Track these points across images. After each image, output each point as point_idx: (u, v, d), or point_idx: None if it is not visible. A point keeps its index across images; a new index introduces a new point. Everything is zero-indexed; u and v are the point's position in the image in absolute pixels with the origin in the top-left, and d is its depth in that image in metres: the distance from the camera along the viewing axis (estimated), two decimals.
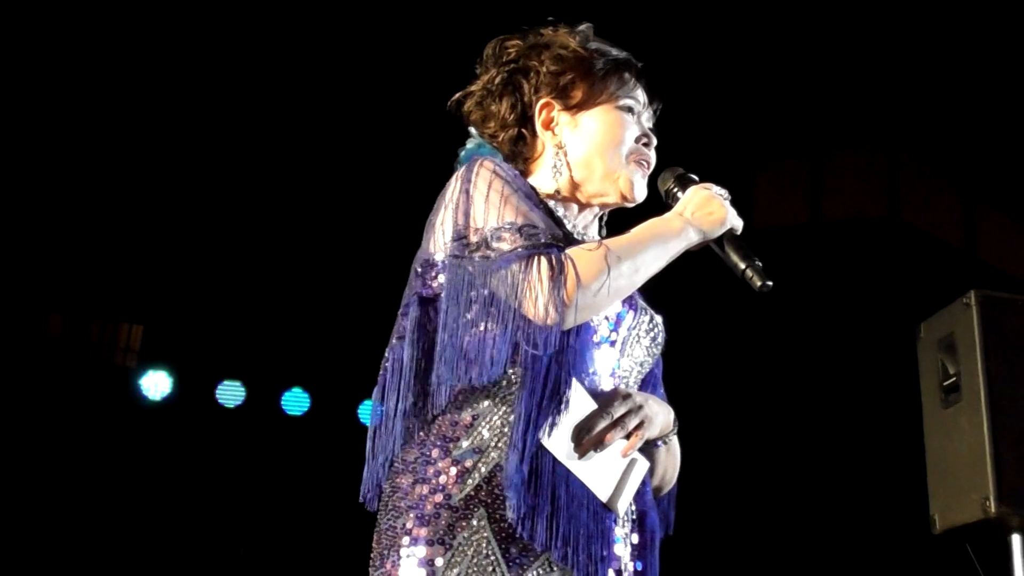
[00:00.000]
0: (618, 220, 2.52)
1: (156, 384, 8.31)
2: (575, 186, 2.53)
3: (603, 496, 2.23)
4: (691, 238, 2.34)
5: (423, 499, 2.19)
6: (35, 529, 7.69)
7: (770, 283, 2.32)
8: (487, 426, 2.21)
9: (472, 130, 2.64)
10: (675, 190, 2.49)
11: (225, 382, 8.40)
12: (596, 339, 2.34)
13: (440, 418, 2.25)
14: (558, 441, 2.19)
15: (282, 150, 7.43)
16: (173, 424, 8.24)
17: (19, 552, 7.61)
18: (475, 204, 2.28)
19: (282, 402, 8.48)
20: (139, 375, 8.31)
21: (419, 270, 2.36)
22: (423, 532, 2.16)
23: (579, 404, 2.23)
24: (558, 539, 2.14)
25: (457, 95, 2.66)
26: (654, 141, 2.58)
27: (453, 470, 2.19)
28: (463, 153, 2.64)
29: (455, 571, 2.12)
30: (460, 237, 2.26)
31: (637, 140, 2.55)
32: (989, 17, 6.66)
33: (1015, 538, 3.81)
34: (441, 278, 2.30)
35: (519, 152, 2.59)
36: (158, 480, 8.03)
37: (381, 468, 2.32)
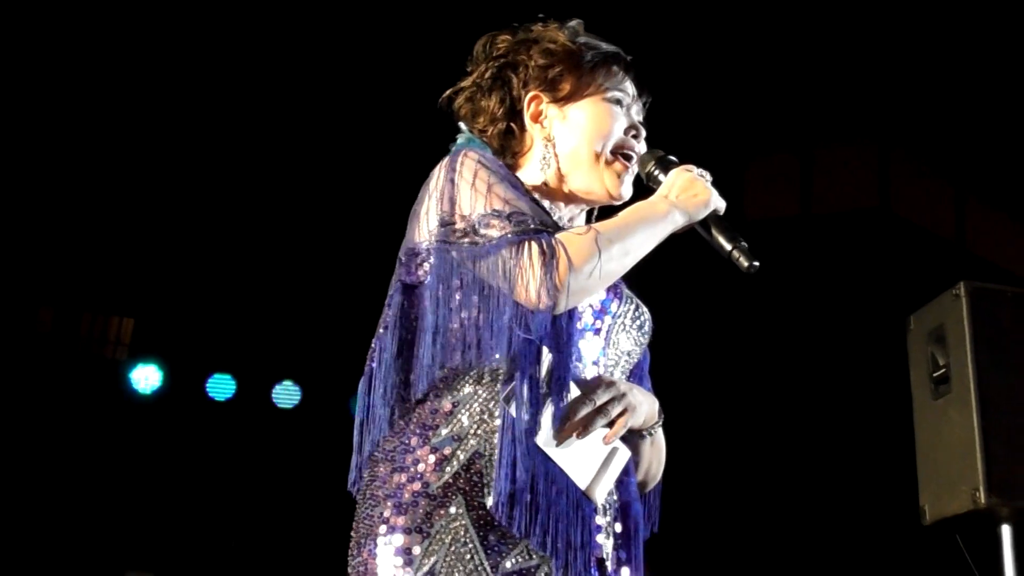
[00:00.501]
0: (606, 211, 2.51)
1: (146, 377, 8.30)
2: (563, 179, 2.53)
3: (582, 483, 2.22)
4: (677, 221, 2.33)
5: (401, 487, 2.18)
6: (25, 522, 7.68)
7: (757, 263, 2.32)
8: (467, 413, 2.21)
9: (462, 125, 2.64)
10: (656, 173, 2.48)
11: (216, 375, 8.39)
12: (580, 327, 2.34)
13: (420, 407, 2.24)
14: (542, 434, 2.19)
15: (273, 144, 7.42)
16: (164, 417, 8.23)
17: (9, 545, 7.60)
18: (460, 192, 2.28)
19: (273, 395, 8.48)
20: (129, 368, 8.30)
21: (403, 259, 2.35)
22: (400, 520, 2.15)
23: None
24: (536, 525, 2.13)
25: (448, 91, 2.66)
26: (643, 133, 2.57)
27: (432, 458, 2.18)
28: (453, 148, 2.61)
29: (432, 559, 2.11)
30: (446, 224, 2.25)
31: (626, 132, 2.54)
32: (979, 11, 6.66)
33: (1004, 528, 3.82)
34: (426, 266, 2.29)
35: (508, 147, 2.59)
36: (149, 474, 8.03)
37: (368, 458, 2.32)
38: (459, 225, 2.23)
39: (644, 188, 2.48)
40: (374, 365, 2.34)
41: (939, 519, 3.95)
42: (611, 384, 2.29)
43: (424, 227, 2.31)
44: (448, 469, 2.17)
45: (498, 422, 2.18)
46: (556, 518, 2.16)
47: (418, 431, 2.22)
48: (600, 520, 2.28)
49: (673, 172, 2.42)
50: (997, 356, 3.87)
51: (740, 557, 7.93)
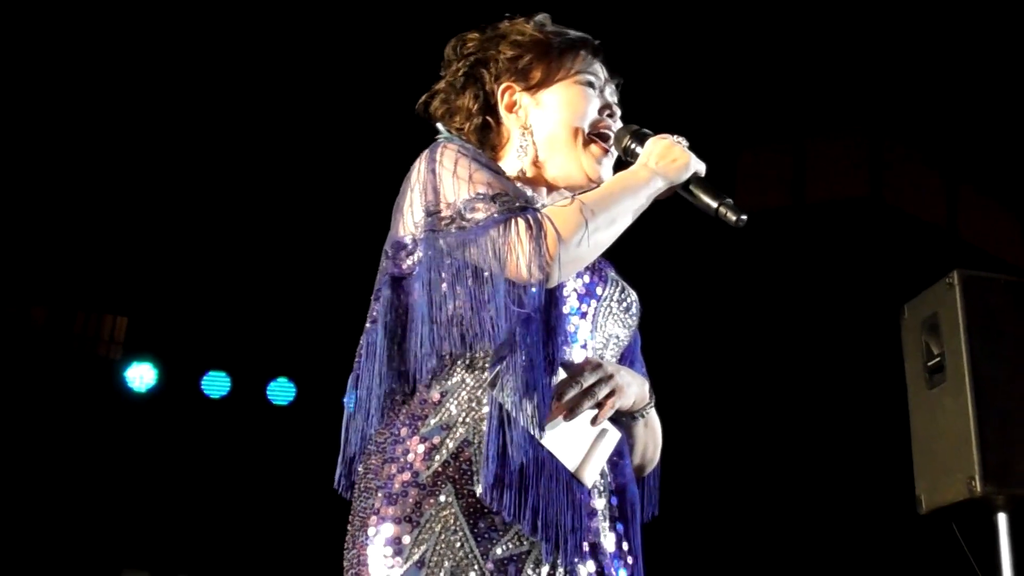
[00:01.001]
0: None
1: (141, 376, 8.29)
2: (542, 165, 2.56)
3: (571, 465, 2.23)
4: (658, 186, 2.37)
5: (391, 478, 2.20)
6: (20, 521, 7.67)
7: (744, 216, 2.36)
8: (455, 402, 2.23)
9: (440, 127, 2.65)
10: (633, 146, 2.51)
11: (210, 373, 8.38)
12: (567, 311, 2.36)
13: (410, 398, 2.27)
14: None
15: (266, 141, 7.41)
16: (158, 416, 8.23)
17: (5, 544, 7.60)
18: (443, 180, 2.30)
19: (268, 392, 8.47)
20: (124, 367, 8.29)
21: (389, 252, 2.38)
22: (390, 511, 2.17)
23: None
24: (526, 510, 2.14)
25: (424, 96, 2.69)
26: (617, 112, 2.61)
27: (421, 448, 2.20)
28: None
29: (422, 548, 2.13)
30: (432, 213, 2.28)
31: (600, 112, 2.58)
32: (969, 0, 6.67)
33: (1001, 517, 3.82)
34: (413, 257, 2.31)
35: (487, 141, 2.62)
36: (144, 472, 8.02)
37: (357, 454, 2.34)
38: (445, 213, 2.26)
39: (625, 165, 2.49)
40: (363, 359, 2.36)
41: (935, 508, 3.96)
42: (598, 366, 2.31)
43: (409, 219, 2.33)
44: (437, 458, 2.19)
45: (486, 409, 2.19)
46: (546, 502, 2.17)
47: (408, 422, 2.24)
48: (596, 503, 2.29)
49: (650, 141, 2.46)
50: (991, 344, 3.87)
51: (736, 546, 7.93)
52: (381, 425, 2.28)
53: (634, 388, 2.39)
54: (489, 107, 2.62)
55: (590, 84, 2.58)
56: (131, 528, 7.94)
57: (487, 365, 2.23)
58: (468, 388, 2.23)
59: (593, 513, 2.27)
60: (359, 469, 2.31)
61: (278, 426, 8.35)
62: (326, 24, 6.82)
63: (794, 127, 8.23)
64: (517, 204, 2.23)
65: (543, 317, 2.22)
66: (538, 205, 2.45)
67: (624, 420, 2.43)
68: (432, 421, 2.22)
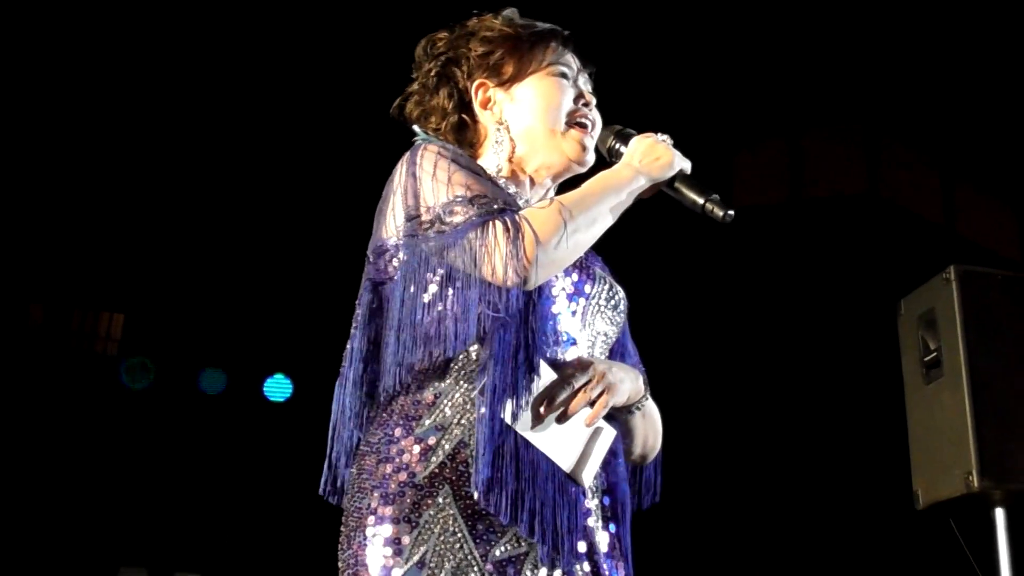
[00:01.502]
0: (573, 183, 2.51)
1: (138, 372, 8.29)
2: (522, 159, 2.54)
3: (567, 467, 2.22)
4: (641, 184, 2.35)
5: (387, 478, 2.19)
6: (17, 519, 7.67)
7: (732, 212, 2.31)
8: (449, 404, 2.22)
9: (416, 129, 2.64)
10: (617, 146, 2.50)
11: (207, 370, 8.38)
12: (556, 311, 2.35)
13: (402, 398, 2.25)
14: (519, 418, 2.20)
15: (262, 139, 7.41)
16: (155, 412, 8.22)
17: (2, 541, 7.59)
18: (423, 184, 2.29)
19: (264, 389, 8.47)
20: (120, 363, 8.28)
21: (371, 257, 2.39)
22: (388, 511, 2.16)
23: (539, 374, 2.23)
24: (523, 512, 2.14)
25: (397, 100, 2.68)
26: (593, 101, 2.58)
27: (416, 448, 2.19)
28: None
29: (422, 549, 2.12)
30: (412, 218, 2.27)
31: (575, 101, 2.55)
32: None
33: (998, 512, 3.83)
34: (393, 263, 2.32)
35: (465, 139, 2.61)
36: (141, 469, 8.02)
37: (342, 459, 2.36)
38: (425, 217, 2.25)
39: (608, 165, 2.48)
40: (346, 365, 2.38)
41: (933, 503, 3.96)
42: (588, 365, 2.29)
43: (391, 224, 2.33)
44: (434, 459, 2.18)
45: (483, 411, 2.18)
46: (542, 503, 2.16)
47: (401, 422, 2.24)
48: (589, 503, 2.28)
49: (633, 140, 2.44)
50: (988, 339, 3.87)
51: (733, 542, 7.94)
52: (374, 426, 2.28)
53: (627, 384, 2.37)
54: (464, 105, 2.60)
55: (563, 75, 2.56)
56: (128, 525, 7.94)
57: (473, 368, 2.23)
58: (462, 390, 2.22)
59: (588, 513, 2.27)
60: (352, 470, 2.30)
61: (275, 423, 8.34)
62: (320, 24, 6.82)
63: (791, 123, 8.23)
64: (496, 206, 2.22)
65: (522, 319, 2.21)
66: (521, 201, 2.46)
67: (621, 415, 2.42)
68: (427, 422, 2.21)
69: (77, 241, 7.93)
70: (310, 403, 8.34)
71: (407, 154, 2.39)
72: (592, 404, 2.28)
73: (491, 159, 2.56)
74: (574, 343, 2.37)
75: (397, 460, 2.20)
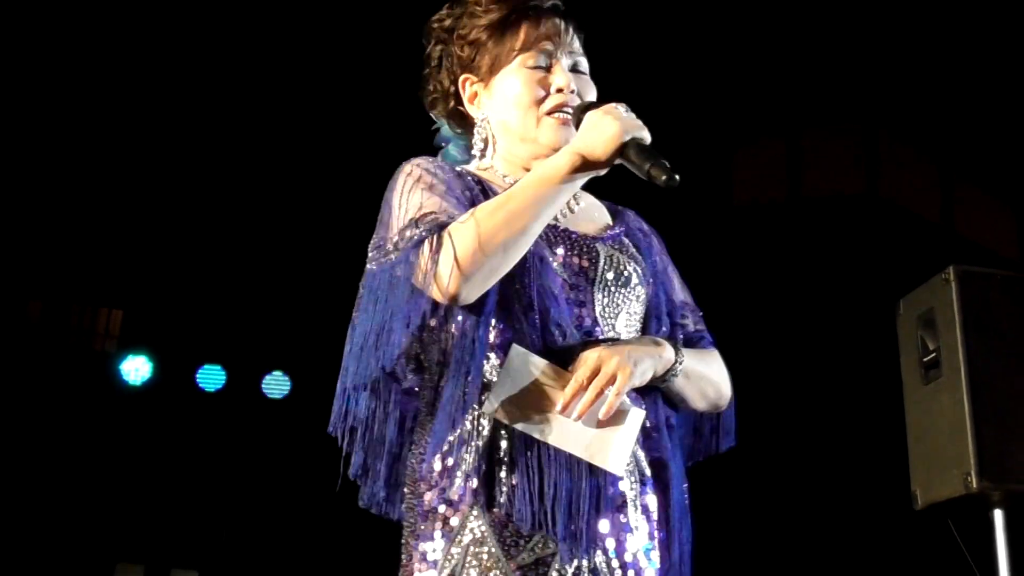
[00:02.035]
0: (608, 185, 2.48)
1: (137, 369, 8.28)
2: (508, 151, 2.53)
3: (597, 460, 2.21)
4: (578, 163, 2.27)
5: (422, 496, 2.25)
6: (15, 515, 7.67)
7: (677, 177, 2.21)
8: (468, 419, 2.24)
9: (432, 115, 2.65)
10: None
11: (205, 366, 8.37)
12: (561, 304, 2.33)
13: (431, 415, 2.28)
14: (518, 412, 2.20)
15: (261, 137, 7.40)
16: (154, 408, 8.22)
17: (0, 538, 7.59)
18: (392, 212, 2.33)
19: (263, 385, 8.46)
20: (119, 360, 8.28)
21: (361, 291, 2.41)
22: (423, 527, 2.22)
23: (536, 371, 2.23)
24: (548, 516, 2.15)
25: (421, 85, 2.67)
26: (573, 83, 2.49)
27: (440, 464, 2.23)
28: (436, 139, 2.67)
29: (453, 563, 2.16)
30: (378, 247, 2.32)
31: (549, 90, 2.47)
32: None
33: (997, 513, 3.82)
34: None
35: (466, 125, 2.60)
36: (140, 465, 8.01)
37: (378, 474, 2.41)
38: (384, 247, 2.29)
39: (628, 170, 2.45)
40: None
41: (931, 504, 3.95)
42: (594, 356, 2.25)
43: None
44: (459, 474, 2.21)
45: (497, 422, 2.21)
46: (567, 504, 2.17)
47: (428, 438, 2.27)
48: (625, 488, 2.27)
49: (587, 116, 2.35)
50: (987, 340, 3.86)
51: (732, 542, 7.94)
52: (416, 445, 2.32)
53: (647, 362, 2.32)
54: (459, 96, 2.59)
55: (539, 61, 2.48)
56: (126, 522, 7.93)
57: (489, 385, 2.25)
58: (473, 393, 2.23)
59: (622, 504, 2.27)
60: (404, 491, 2.34)
61: (273, 419, 8.34)
62: (314, 21, 6.82)
63: (791, 122, 8.23)
64: (438, 222, 2.23)
65: (464, 331, 2.24)
66: None
67: (659, 385, 2.39)
68: (450, 437, 2.23)
69: (76, 237, 7.93)
70: (308, 400, 8.34)
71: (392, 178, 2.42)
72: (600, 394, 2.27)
73: (489, 152, 2.55)
74: (590, 332, 2.35)
75: (428, 478, 2.24)
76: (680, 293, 2.65)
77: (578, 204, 2.52)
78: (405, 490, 2.32)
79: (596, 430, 2.23)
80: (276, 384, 8.49)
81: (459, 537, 2.17)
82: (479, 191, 2.39)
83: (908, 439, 4.11)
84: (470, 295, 2.20)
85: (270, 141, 7.46)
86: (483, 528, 2.17)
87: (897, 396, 4.19)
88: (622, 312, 2.42)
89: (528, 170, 2.46)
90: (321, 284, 7.85)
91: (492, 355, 2.26)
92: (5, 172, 7.44)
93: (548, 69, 2.50)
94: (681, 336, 2.55)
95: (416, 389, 2.36)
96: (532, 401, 2.21)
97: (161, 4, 6.68)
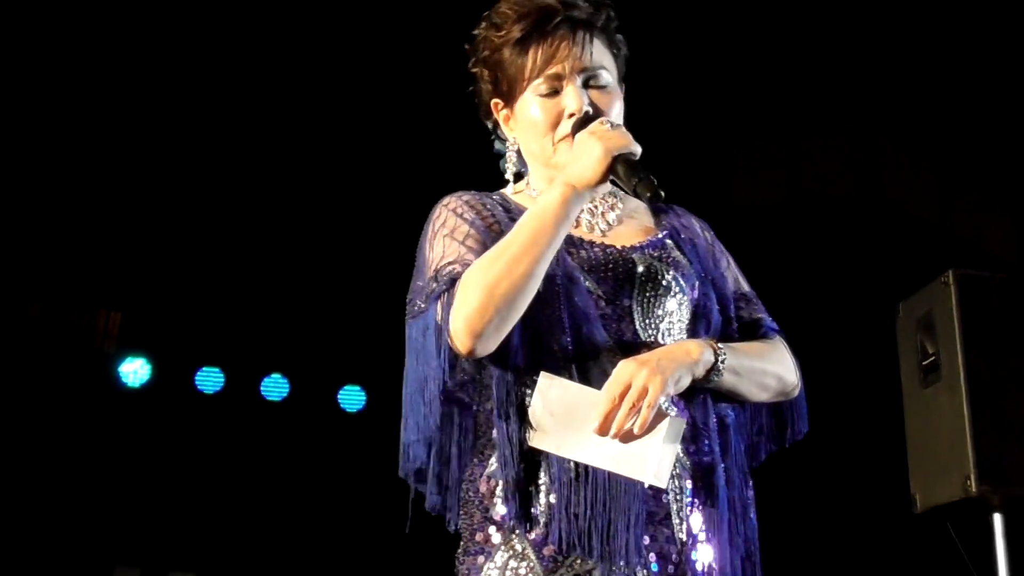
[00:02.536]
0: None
1: (135, 370, 8.27)
2: (540, 176, 2.54)
3: (639, 476, 2.19)
4: (575, 194, 2.26)
5: (472, 516, 2.32)
6: (11, 516, 7.65)
7: (662, 193, 2.20)
8: (507, 444, 2.28)
9: (488, 124, 2.65)
10: None
11: (204, 368, 8.36)
12: (595, 322, 2.32)
13: (478, 439, 2.37)
14: (555, 439, 2.20)
15: (260, 138, 7.39)
16: (152, 410, 8.20)
17: None
18: (425, 259, 2.38)
19: (261, 388, 8.45)
20: (118, 361, 8.27)
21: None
22: (472, 546, 2.30)
23: (569, 396, 2.21)
24: (585, 536, 2.17)
25: None
26: (584, 104, 2.44)
27: (486, 487, 2.30)
28: (496, 147, 2.65)
29: None
30: (410, 301, 2.38)
31: (561, 116, 2.45)
32: None
33: (996, 516, 3.83)
34: None
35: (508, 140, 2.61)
36: (137, 467, 8.00)
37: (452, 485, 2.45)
38: (415, 300, 2.35)
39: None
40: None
41: (930, 507, 3.96)
42: (623, 371, 2.22)
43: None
44: (500, 494, 2.26)
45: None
46: (605, 522, 2.18)
47: (478, 461, 2.35)
48: (669, 500, 2.28)
49: (575, 139, 2.34)
50: (986, 343, 3.87)
51: None
52: (471, 464, 2.38)
53: (679, 368, 2.27)
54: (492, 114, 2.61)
55: (550, 89, 2.45)
56: (123, 524, 7.92)
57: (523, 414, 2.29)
58: (516, 429, 2.27)
59: (665, 517, 2.27)
60: (460, 512, 2.39)
61: (271, 422, 8.33)
62: (307, 22, 6.81)
63: (789, 123, 8.22)
64: (453, 275, 2.27)
65: (493, 375, 2.29)
66: None
67: (705, 386, 2.36)
68: (493, 460, 2.30)
69: (75, 238, 7.92)
70: (307, 403, 8.34)
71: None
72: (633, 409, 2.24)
73: (530, 170, 2.58)
74: (633, 345, 2.33)
75: (476, 500, 2.31)
76: (733, 284, 2.64)
77: (614, 212, 2.53)
78: (460, 510, 2.38)
79: (635, 444, 2.21)
80: (275, 387, 8.47)
81: (500, 555, 2.23)
82: (505, 215, 2.41)
83: (907, 442, 4.12)
84: (485, 348, 2.22)
85: (270, 144, 7.45)
86: (523, 546, 2.22)
87: (896, 399, 4.20)
88: (664, 320, 2.41)
89: None
90: (320, 287, 7.85)
91: (527, 388, 2.28)
92: (4, 173, 7.43)
93: (560, 92, 2.47)
94: (736, 328, 2.53)
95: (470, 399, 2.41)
96: (568, 424, 2.20)
97: (158, 4, 6.67)
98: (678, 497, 2.29)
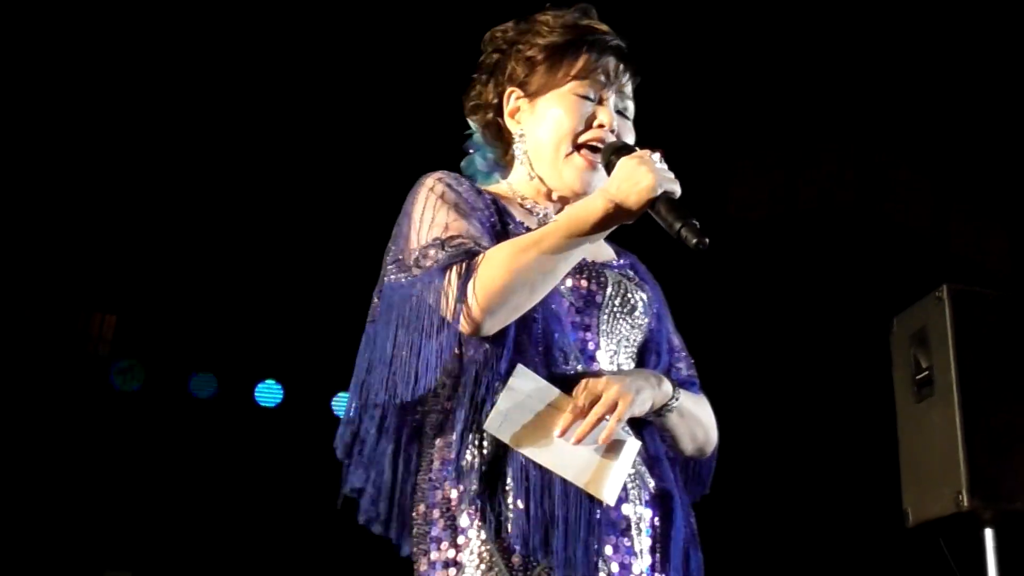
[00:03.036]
0: None
1: (128, 375, 8.26)
2: (536, 174, 2.53)
3: (585, 485, 2.22)
4: (614, 212, 2.28)
5: (435, 523, 2.26)
6: (4, 518, 7.64)
7: (707, 240, 2.23)
8: (469, 447, 2.25)
9: (469, 121, 2.66)
10: (615, 162, 2.42)
11: (198, 374, 8.36)
12: (566, 327, 2.35)
13: (439, 439, 2.31)
14: (519, 434, 2.20)
15: (256, 142, 7.40)
16: (145, 415, 8.20)
17: None
18: (412, 225, 2.34)
19: (255, 394, 8.44)
20: (112, 365, 8.26)
21: (375, 299, 2.41)
22: (434, 555, 2.24)
23: (539, 394, 2.23)
24: (547, 542, 2.16)
25: (466, 89, 2.70)
26: (615, 122, 2.53)
27: (454, 493, 2.26)
28: (465, 144, 2.71)
29: None
30: (396, 260, 2.33)
31: (590, 122, 2.51)
32: (960, 11, 6.68)
33: (988, 532, 3.83)
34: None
35: (502, 140, 2.62)
36: (130, 472, 7.99)
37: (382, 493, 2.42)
38: (407, 261, 2.30)
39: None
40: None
41: (922, 522, 3.96)
42: (595, 382, 2.27)
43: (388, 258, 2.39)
44: (467, 499, 2.22)
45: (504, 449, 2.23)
46: (565, 529, 2.18)
47: (440, 466, 2.29)
48: (629, 514, 2.29)
49: (621, 161, 2.36)
50: (980, 359, 3.88)
51: (723, 559, 7.92)
52: (422, 469, 2.34)
53: (647, 392, 2.35)
54: (501, 108, 2.61)
55: (587, 92, 2.51)
56: (115, 528, 7.91)
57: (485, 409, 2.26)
58: (479, 431, 2.25)
59: (626, 528, 2.27)
60: (412, 514, 2.35)
61: (265, 428, 8.32)
62: (302, 26, 6.82)
63: (786, 136, 8.23)
64: (465, 248, 2.24)
65: (482, 362, 2.25)
66: (542, 214, 2.47)
67: (655, 419, 2.42)
68: (461, 464, 2.24)
69: (69, 241, 7.91)
70: (301, 409, 8.33)
71: (411, 189, 2.43)
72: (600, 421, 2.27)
73: (517, 169, 2.57)
74: (593, 357, 2.37)
75: (442, 505, 2.26)
76: (675, 338, 2.67)
77: None
78: (414, 514, 2.33)
79: (594, 458, 2.24)
80: (268, 393, 8.47)
81: (470, 562, 2.19)
82: (495, 211, 2.41)
83: (900, 457, 4.13)
84: (492, 328, 2.21)
85: (266, 150, 7.45)
86: (491, 552, 2.18)
87: (889, 413, 4.20)
88: (623, 339, 2.45)
89: (548, 197, 2.53)
90: (314, 293, 7.85)
91: (497, 382, 2.26)
92: None
93: (596, 102, 2.52)
94: (676, 378, 2.56)
95: (416, 407, 2.36)
96: (533, 423, 2.22)
97: (153, 10, 6.67)
98: (638, 510, 2.32)
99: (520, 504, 2.17)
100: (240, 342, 8.33)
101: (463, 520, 2.21)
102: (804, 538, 7.84)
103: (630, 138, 2.56)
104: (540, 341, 2.29)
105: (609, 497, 2.24)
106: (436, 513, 2.25)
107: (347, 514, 2.45)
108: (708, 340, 8.15)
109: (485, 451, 2.21)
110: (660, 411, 2.41)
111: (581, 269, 2.42)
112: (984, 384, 3.84)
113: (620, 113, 2.57)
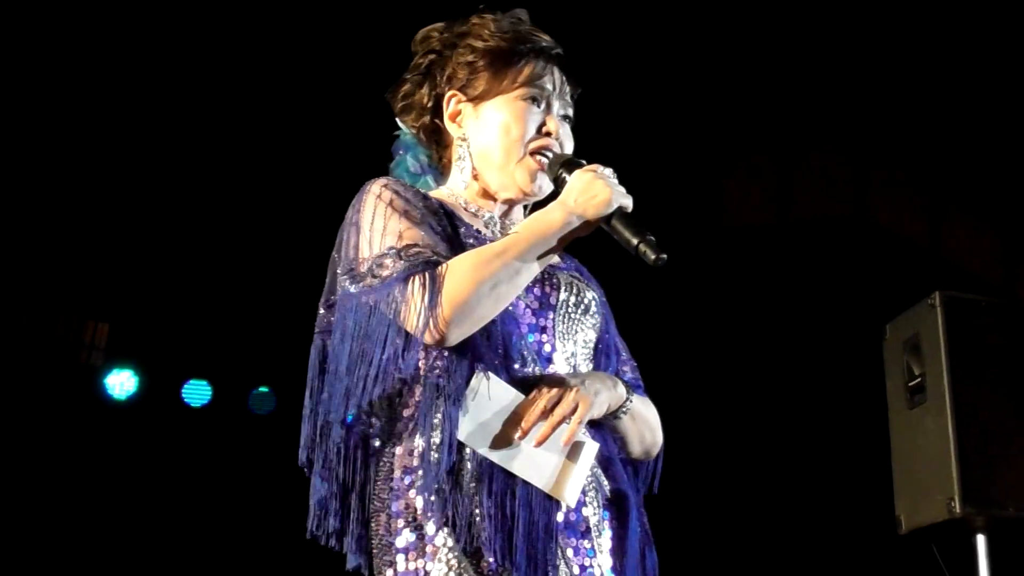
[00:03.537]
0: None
1: (122, 383, 8.25)
2: (480, 179, 2.54)
3: (546, 486, 2.23)
4: (574, 224, 2.31)
5: (399, 532, 2.24)
6: None
7: (664, 256, 2.26)
8: (433, 452, 2.23)
9: (399, 121, 2.67)
10: (563, 176, 2.45)
11: (191, 381, 8.35)
12: (523, 329, 2.35)
13: (399, 447, 2.29)
14: (481, 438, 2.21)
15: (251, 150, 7.39)
16: (139, 423, 8.19)
17: None
18: (362, 234, 2.34)
19: (249, 401, 8.44)
20: (104, 373, 8.25)
21: (322, 309, 2.51)
22: (402, 565, 2.21)
23: (500, 397, 2.24)
24: (508, 548, 2.15)
25: (392, 87, 2.69)
26: (560, 130, 2.55)
27: (420, 501, 2.23)
28: (393, 146, 2.71)
29: None
30: (349, 270, 2.34)
31: (539, 130, 2.52)
32: (956, 20, 6.69)
33: (979, 538, 3.84)
34: (332, 314, 2.43)
35: (440, 143, 2.64)
36: (123, 480, 7.98)
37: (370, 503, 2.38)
38: (360, 270, 2.30)
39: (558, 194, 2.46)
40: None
41: (915, 528, 3.97)
42: (555, 385, 2.29)
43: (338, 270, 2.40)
44: (435, 507, 2.19)
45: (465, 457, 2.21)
46: (527, 532, 2.17)
47: (402, 475, 2.27)
48: (583, 514, 2.29)
49: (575, 175, 2.39)
50: (972, 366, 3.89)
51: (716, 566, 7.93)
52: (379, 479, 2.32)
53: (604, 394, 2.37)
54: (438, 110, 2.61)
55: (534, 99, 2.53)
56: (108, 536, 7.89)
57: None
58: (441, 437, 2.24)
59: (586, 530, 2.28)
60: (372, 525, 2.33)
61: (259, 435, 8.31)
62: (300, 31, 6.83)
63: (779, 144, 8.24)
64: (423, 257, 2.25)
65: (444, 367, 2.24)
66: (486, 217, 2.48)
67: (608, 421, 2.43)
68: (423, 473, 2.22)
69: (62, 250, 7.90)
70: (295, 417, 8.31)
71: (357, 195, 2.45)
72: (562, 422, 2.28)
73: (456, 174, 2.57)
74: (550, 359, 2.38)
75: (405, 514, 2.24)
76: (618, 341, 2.67)
77: None
78: (373, 524, 2.31)
79: (555, 460, 2.26)
80: (262, 400, 8.46)
81: (437, 571, 2.17)
82: (443, 216, 2.41)
83: (893, 463, 4.14)
84: (456, 339, 2.21)
85: (258, 157, 7.45)
86: (459, 559, 2.16)
87: (882, 420, 4.21)
88: (579, 339, 2.46)
89: (494, 200, 2.53)
90: (308, 300, 7.83)
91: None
92: None
93: (543, 110, 2.54)
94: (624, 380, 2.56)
95: (373, 416, 2.36)
96: (495, 426, 2.23)
97: (149, 14, 6.67)
98: (596, 511, 2.32)
99: (486, 509, 2.16)
100: (234, 349, 8.32)
101: (429, 528, 2.19)
102: (798, 545, 7.84)
103: (570, 144, 2.57)
104: (499, 344, 2.29)
105: (571, 499, 2.25)
106: (400, 523, 2.23)
107: None
108: (702, 347, 8.18)
109: (449, 457, 2.20)
110: (615, 413, 2.42)
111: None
112: (977, 391, 3.86)
113: (564, 119, 2.59)
